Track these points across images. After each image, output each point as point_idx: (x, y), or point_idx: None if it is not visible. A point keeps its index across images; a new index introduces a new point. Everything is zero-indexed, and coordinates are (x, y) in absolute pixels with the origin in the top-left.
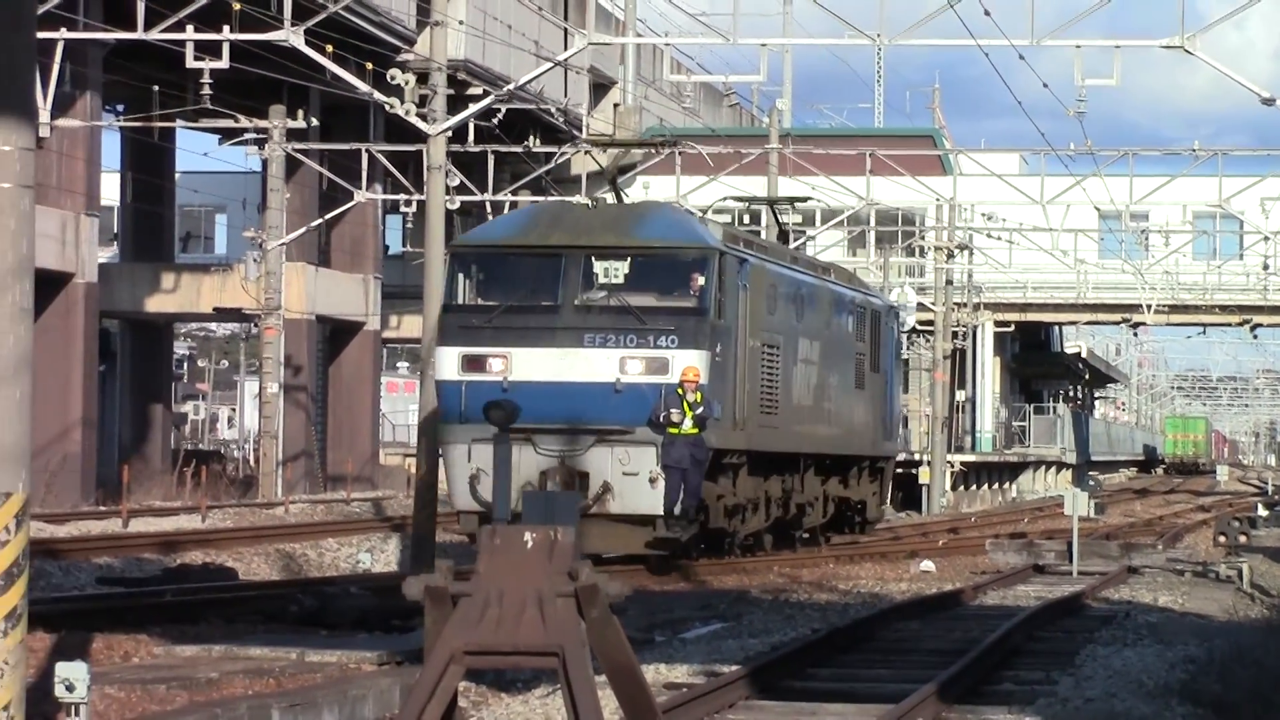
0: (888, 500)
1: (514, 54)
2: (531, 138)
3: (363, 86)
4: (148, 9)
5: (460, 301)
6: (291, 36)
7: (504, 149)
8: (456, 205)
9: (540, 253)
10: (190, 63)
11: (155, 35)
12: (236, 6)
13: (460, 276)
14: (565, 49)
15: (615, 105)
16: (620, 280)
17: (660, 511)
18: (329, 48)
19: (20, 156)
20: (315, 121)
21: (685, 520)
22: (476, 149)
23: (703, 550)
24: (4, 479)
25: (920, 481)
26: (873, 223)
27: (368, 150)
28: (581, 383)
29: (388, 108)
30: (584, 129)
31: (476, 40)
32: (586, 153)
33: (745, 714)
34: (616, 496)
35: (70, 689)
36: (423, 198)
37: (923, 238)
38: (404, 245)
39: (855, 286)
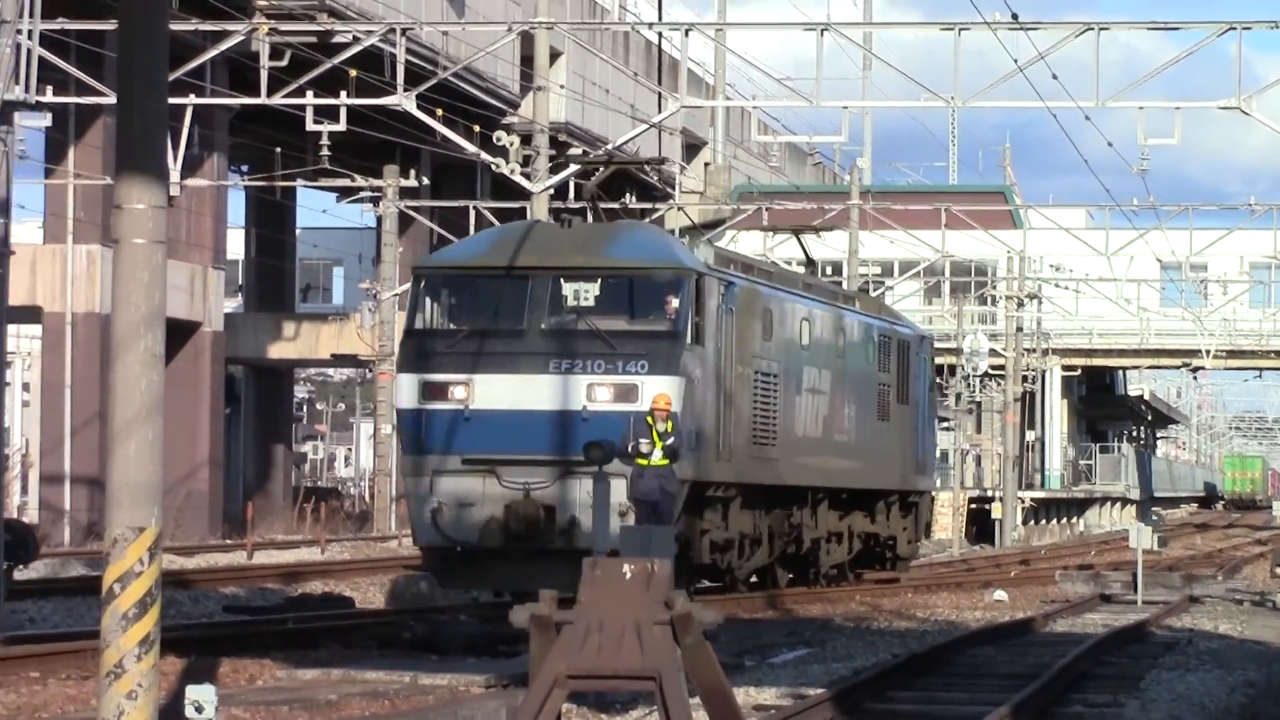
0: (922, 536)
1: (611, 116)
2: (628, 195)
3: (470, 148)
4: (270, 76)
5: (423, 326)
6: (404, 101)
7: (602, 206)
8: None
9: (506, 274)
10: (310, 126)
11: (277, 100)
12: (353, 74)
13: (423, 299)
14: (659, 111)
15: (706, 164)
16: (590, 303)
17: None
18: (439, 111)
19: (153, 214)
20: (426, 180)
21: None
22: (576, 205)
23: (699, 588)
24: (138, 514)
25: (993, 516)
26: (947, 273)
27: (475, 207)
28: (546, 411)
29: (494, 167)
30: (677, 187)
31: (576, 103)
32: (680, 210)
33: None
34: (584, 531)
35: (199, 710)
36: None
37: (994, 287)
38: None
39: (880, 315)
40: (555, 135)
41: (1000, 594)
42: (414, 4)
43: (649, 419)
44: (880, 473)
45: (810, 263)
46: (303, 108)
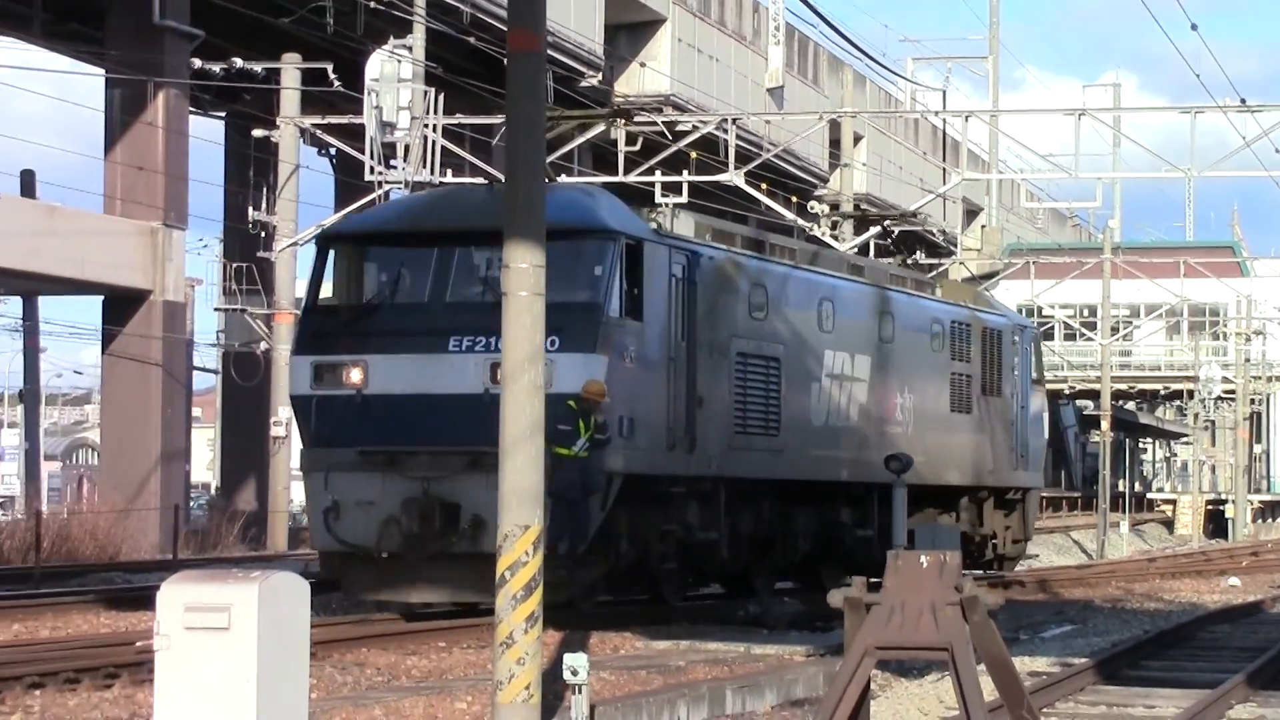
0: (1030, 535)
1: (904, 187)
2: (918, 252)
3: (788, 215)
4: (626, 158)
5: (321, 302)
6: (735, 178)
7: (893, 261)
8: None
9: (410, 241)
10: (658, 199)
11: (632, 178)
12: (693, 155)
13: (323, 272)
14: (944, 183)
15: (982, 226)
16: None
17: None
18: (763, 185)
19: (534, 272)
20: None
21: (574, 561)
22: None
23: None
24: (524, 514)
25: (1226, 515)
26: (1185, 315)
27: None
28: (446, 394)
29: (808, 230)
30: (959, 245)
31: (875, 177)
32: (961, 264)
33: (1092, 695)
34: (491, 531)
35: (575, 673)
36: None
37: (1225, 326)
38: None
39: (961, 303)
40: (858, 204)
41: (1234, 580)
42: (742, 98)
43: (571, 404)
44: (957, 467)
45: (899, 252)
46: (652, 184)
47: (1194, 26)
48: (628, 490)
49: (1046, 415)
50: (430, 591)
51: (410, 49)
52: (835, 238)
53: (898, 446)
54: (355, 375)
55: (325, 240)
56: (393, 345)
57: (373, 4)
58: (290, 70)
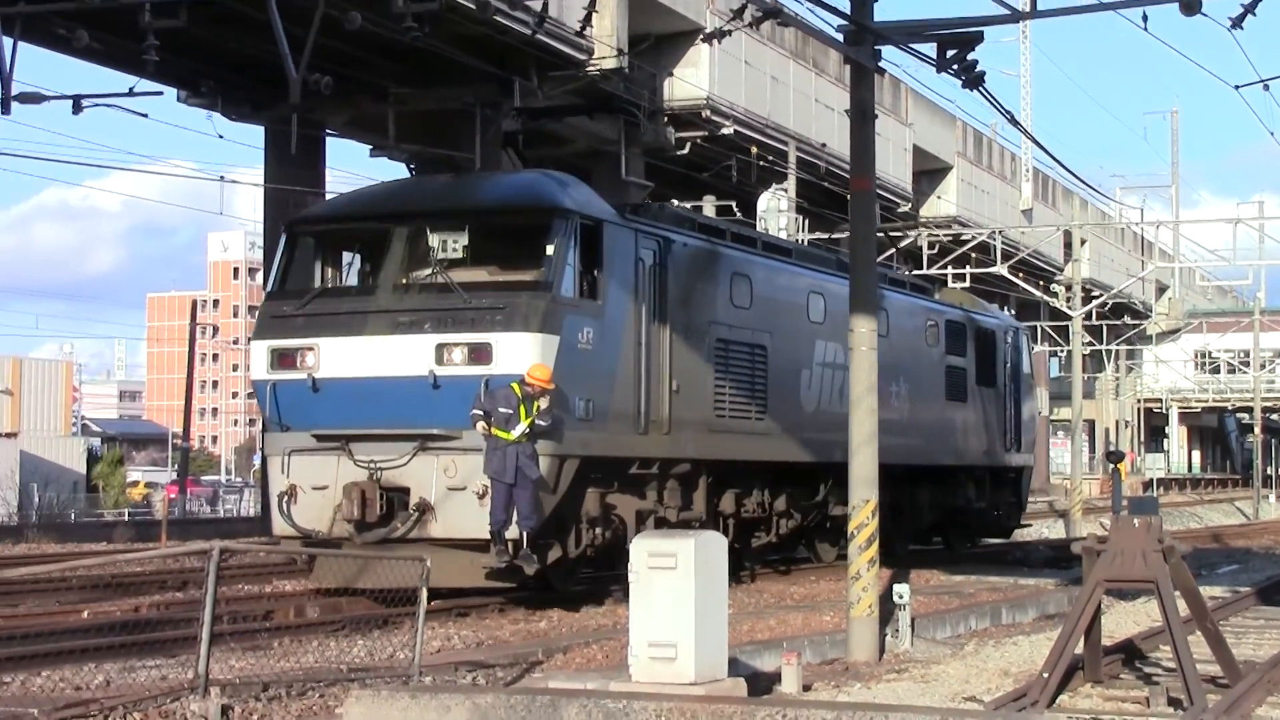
0: (1025, 507)
1: (1116, 273)
2: (1124, 316)
3: (1036, 293)
4: (927, 258)
5: (283, 287)
6: (1001, 269)
7: (1108, 323)
8: (1087, 353)
9: (367, 225)
10: (950, 284)
11: (933, 271)
12: (973, 255)
13: (286, 257)
14: (1142, 270)
15: (1169, 298)
16: (458, 254)
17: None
18: (1019, 273)
19: (869, 334)
20: (1012, 312)
21: (520, 546)
22: (1095, 323)
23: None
24: (866, 492)
25: None
26: None
27: (1040, 326)
28: (394, 377)
29: (1050, 302)
30: (1153, 312)
31: (1096, 267)
32: (1155, 323)
33: (1254, 613)
34: (439, 517)
35: (900, 597)
36: (1069, 347)
37: None
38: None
39: (958, 305)
40: (1084, 285)
41: None
42: (1005, 217)
43: (515, 387)
44: (953, 450)
45: (897, 259)
46: (945, 275)
47: None
48: (592, 472)
49: (1037, 404)
50: (373, 578)
51: (786, 190)
52: (1070, 308)
53: (893, 432)
54: (309, 359)
55: (289, 227)
56: (344, 328)
57: (761, 163)
58: (708, 206)
